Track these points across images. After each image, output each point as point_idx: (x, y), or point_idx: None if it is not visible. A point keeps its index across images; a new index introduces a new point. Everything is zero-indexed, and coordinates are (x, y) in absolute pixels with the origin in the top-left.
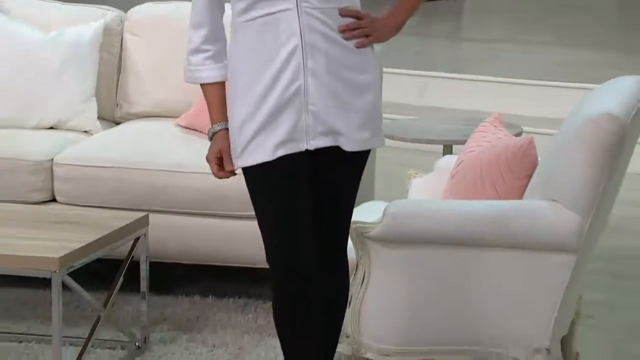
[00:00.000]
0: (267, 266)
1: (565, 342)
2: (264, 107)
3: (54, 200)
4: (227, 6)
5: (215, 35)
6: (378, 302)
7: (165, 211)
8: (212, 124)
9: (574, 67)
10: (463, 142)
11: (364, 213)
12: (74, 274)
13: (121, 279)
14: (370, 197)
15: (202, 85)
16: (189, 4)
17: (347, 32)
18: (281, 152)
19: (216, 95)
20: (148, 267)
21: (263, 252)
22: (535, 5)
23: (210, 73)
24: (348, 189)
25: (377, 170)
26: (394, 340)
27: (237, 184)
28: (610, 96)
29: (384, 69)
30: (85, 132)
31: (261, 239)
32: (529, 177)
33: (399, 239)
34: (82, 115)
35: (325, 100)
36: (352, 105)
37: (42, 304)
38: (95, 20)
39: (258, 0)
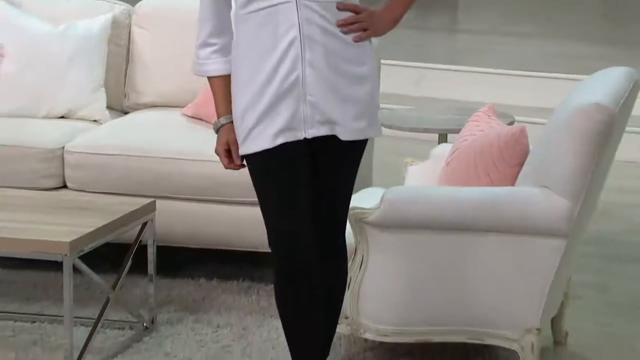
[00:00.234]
0: (269, 250)
1: (555, 322)
2: (264, 96)
3: (64, 186)
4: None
5: (221, 29)
6: (376, 284)
7: (172, 197)
8: (218, 117)
9: (564, 58)
10: (458, 131)
11: (363, 199)
12: (84, 258)
13: (129, 263)
14: (368, 184)
15: (208, 78)
16: None
17: (345, 26)
18: (281, 140)
19: (222, 87)
20: (155, 251)
21: (265, 236)
22: None
23: (217, 66)
24: (345, 177)
25: (375, 158)
26: (392, 321)
27: (240, 171)
28: (599, 87)
29: (383, 61)
30: (95, 121)
31: (263, 224)
32: (521, 164)
33: (396, 224)
34: (92, 105)
35: (322, 91)
36: (349, 96)
37: (53, 286)
38: (104, 14)
39: None
